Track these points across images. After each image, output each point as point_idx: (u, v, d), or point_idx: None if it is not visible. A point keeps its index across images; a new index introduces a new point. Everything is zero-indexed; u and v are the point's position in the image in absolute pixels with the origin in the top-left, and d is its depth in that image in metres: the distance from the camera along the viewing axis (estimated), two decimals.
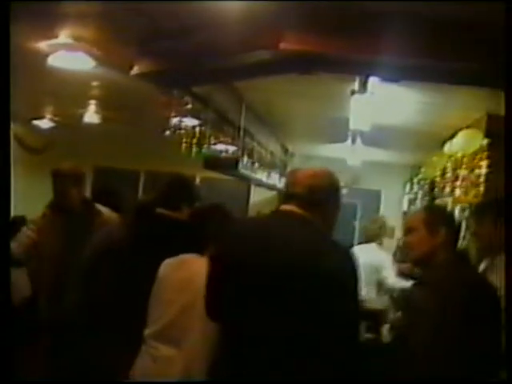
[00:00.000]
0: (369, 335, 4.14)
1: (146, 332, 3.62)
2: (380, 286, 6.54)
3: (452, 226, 3.41)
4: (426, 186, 10.18)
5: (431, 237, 3.31)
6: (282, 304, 2.69)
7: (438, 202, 8.61)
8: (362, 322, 4.24)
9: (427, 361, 3.03)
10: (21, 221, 10.63)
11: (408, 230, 3.43)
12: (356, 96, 5.86)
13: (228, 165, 7.93)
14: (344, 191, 14.25)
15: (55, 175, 5.21)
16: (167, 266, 3.67)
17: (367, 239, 7.41)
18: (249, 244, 2.87)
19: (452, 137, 7.19)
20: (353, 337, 2.82)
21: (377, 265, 6.71)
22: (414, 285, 3.54)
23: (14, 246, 5.14)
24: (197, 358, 3.39)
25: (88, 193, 12.78)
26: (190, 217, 4.01)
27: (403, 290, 4.02)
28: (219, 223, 3.61)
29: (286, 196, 2.99)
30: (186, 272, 3.55)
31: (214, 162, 7.85)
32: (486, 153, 6.41)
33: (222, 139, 8.11)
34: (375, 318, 4.17)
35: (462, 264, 3.37)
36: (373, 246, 7.11)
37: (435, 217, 3.39)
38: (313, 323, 2.64)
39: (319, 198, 2.91)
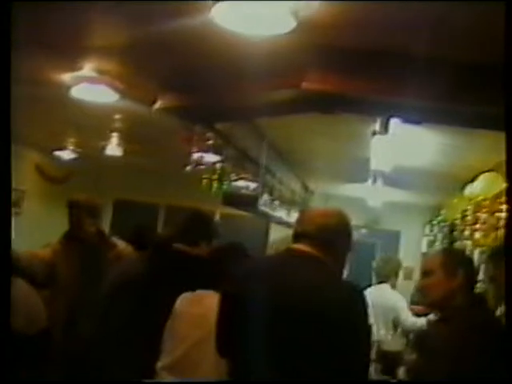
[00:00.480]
0: (385, 377, 4.10)
1: (159, 365, 3.60)
2: (396, 327, 6.47)
3: (470, 269, 3.38)
4: (446, 228, 10.11)
5: (449, 280, 3.28)
6: (292, 343, 2.66)
7: (457, 244, 8.56)
8: (378, 363, 4.21)
9: None
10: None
11: (425, 273, 3.40)
12: (377, 137, 5.87)
13: (248, 201, 7.90)
14: (363, 231, 14.27)
15: (71, 206, 5.28)
16: (184, 300, 3.66)
17: (379, 279, 7.28)
18: (259, 282, 2.86)
19: (473, 180, 7.16)
20: (363, 377, 2.80)
21: (392, 306, 6.64)
22: (431, 326, 3.52)
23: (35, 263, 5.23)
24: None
25: (107, 225, 12.94)
26: (209, 254, 4.01)
27: (420, 331, 3.99)
28: (236, 262, 3.60)
29: (297, 235, 2.98)
30: (202, 308, 3.54)
31: (233, 199, 7.82)
32: (506, 197, 6.38)
33: (242, 176, 8.11)
34: (391, 359, 4.13)
35: (480, 308, 3.35)
36: (386, 286, 7.01)
37: (453, 259, 3.37)
38: (323, 362, 2.62)
39: (329, 237, 2.89)
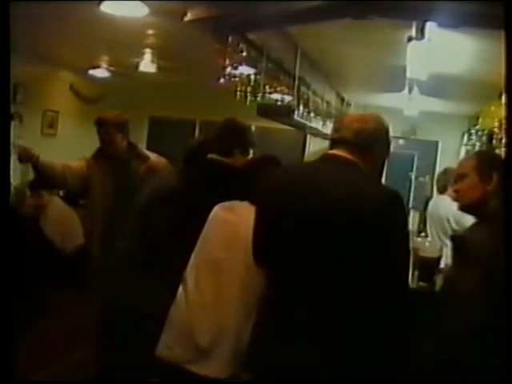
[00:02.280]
0: (422, 284, 4.09)
1: (185, 273, 3.62)
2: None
3: None
4: (484, 137, 10.00)
5: (483, 183, 3.23)
6: (330, 249, 2.66)
7: (496, 152, 8.47)
8: (415, 270, 4.21)
9: (473, 309, 2.99)
10: None
11: (459, 177, 3.35)
12: (413, 43, 5.74)
13: (282, 112, 7.85)
14: (400, 142, 14.18)
15: (99, 124, 5.36)
16: (217, 208, 3.67)
17: (439, 191, 7.33)
18: (294, 189, 2.85)
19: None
20: (402, 283, 2.80)
21: (449, 216, 6.57)
22: (467, 230, 3.49)
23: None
24: (232, 307, 3.42)
25: (144, 142, 13.01)
26: (243, 165, 4.00)
27: (457, 236, 3.95)
28: (271, 173, 3.59)
29: (333, 141, 2.97)
30: (234, 215, 3.54)
31: (267, 110, 7.77)
32: None
33: (277, 88, 8.06)
34: (428, 266, 4.11)
35: None
36: (444, 197, 6.96)
37: (487, 163, 3.31)
38: (361, 268, 2.62)
39: (365, 141, 2.88)
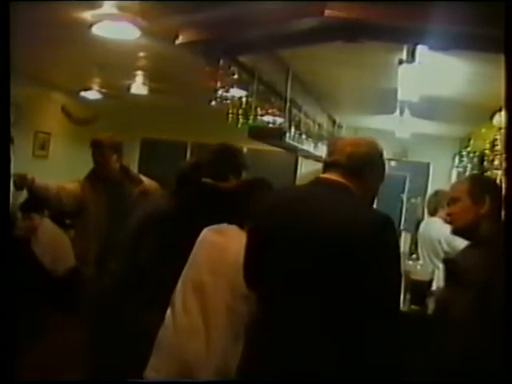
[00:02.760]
0: (414, 307, 4.10)
1: (173, 296, 3.65)
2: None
3: (497, 196, 3.34)
4: (476, 159, 10.02)
5: (476, 206, 3.25)
6: (322, 273, 2.65)
7: (487, 174, 8.49)
8: (407, 293, 4.21)
9: (466, 333, 2.99)
10: None
11: (452, 200, 3.37)
12: (404, 65, 5.77)
13: (274, 134, 7.87)
14: (392, 164, 14.21)
15: (94, 145, 5.38)
16: (206, 231, 3.71)
17: (429, 213, 7.34)
18: (286, 212, 2.85)
19: (501, 108, 7.06)
20: (393, 307, 2.79)
21: (440, 238, 6.56)
22: (460, 253, 3.50)
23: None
24: (220, 331, 3.40)
25: (136, 164, 13.00)
26: (235, 187, 4.00)
27: (449, 259, 3.96)
28: (263, 196, 3.59)
29: (326, 164, 2.97)
30: (222, 238, 3.57)
31: (259, 132, 7.79)
32: None
33: (269, 110, 8.08)
34: (420, 289, 4.13)
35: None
36: (435, 219, 6.96)
37: (480, 186, 3.33)
38: (352, 292, 2.61)
39: (359, 166, 2.87)
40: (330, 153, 3.04)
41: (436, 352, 3.14)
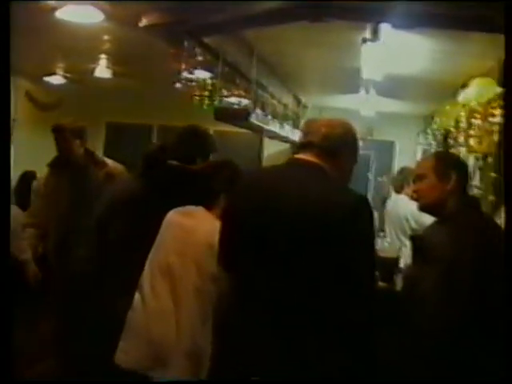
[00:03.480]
0: (383, 284, 4.14)
1: (141, 278, 3.67)
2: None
3: (462, 172, 3.39)
4: (440, 136, 10.10)
5: (441, 183, 3.29)
6: (296, 253, 2.68)
7: (452, 151, 8.56)
8: (376, 271, 4.25)
9: (435, 308, 3.03)
10: (31, 177, 10.77)
11: (418, 177, 3.41)
12: (367, 44, 5.78)
13: (239, 115, 7.87)
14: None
15: (56, 130, 5.34)
16: (172, 213, 3.72)
17: (396, 190, 7.41)
18: (261, 193, 2.87)
19: (465, 85, 7.12)
20: (368, 285, 2.82)
21: (407, 215, 6.61)
22: (427, 229, 3.54)
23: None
24: (188, 312, 3.43)
25: (101, 148, 12.95)
26: (201, 170, 4.01)
27: (416, 235, 4.00)
28: (228, 178, 3.62)
29: (301, 145, 2.99)
30: (189, 220, 3.60)
31: (224, 113, 7.78)
32: (499, 101, 6.34)
33: (235, 92, 8.08)
34: (388, 266, 4.17)
35: (474, 209, 3.37)
36: (402, 196, 7.01)
37: (445, 163, 3.37)
38: (327, 271, 2.64)
39: (334, 146, 2.90)
40: (304, 133, 3.06)
41: (405, 328, 3.18)
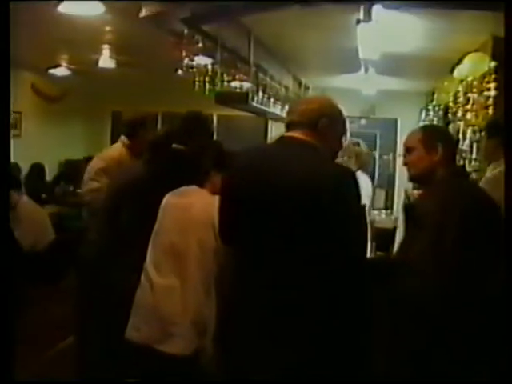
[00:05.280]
0: (380, 253, 4.29)
1: (145, 263, 3.85)
2: None
3: (449, 143, 3.53)
4: (441, 112, 10.21)
5: (429, 154, 3.43)
6: (292, 226, 2.84)
7: (451, 126, 8.69)
8: (373, 241, 4.41)
9: (424, 270, 3.16)
10: (40, 168, 10.93)
11: (407, 150, 3.55)
12: (362, 25, 5.90)
13: (239, 99, 7.98)
14: (362, 122, 14.36)
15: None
16: (169, 196, 3.90)
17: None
18: (253, 170, 3.03)
19: (460, 61, 7.23)
20: (360, 255, 3.00)
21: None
22: (417, 198, 3.68)
23: None
24: (194, 286, 3.61)
25: (108, 136, 13.09)
26: (190, 151, 4.19)
27: (407, 205, 4.17)
28: (213, 157, 3.82)
29: (286, 124, 3.16)
30: (185, 200, 3.76)
31: (225, 97, 7.90)
32: (493, 75, 6.47)
33: (236, 76, 8.21)
34: (384, 236, 4.32)
35: (461, 178, 3.53)
36: (359, 173, 6.88)
37: (432, 136, 3.50)
38: (320, 243, 2.80)
39: (311, 120, 3.05)
40: (287, 113, 3.27)
41: (399, 293, 3.32)
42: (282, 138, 3.15)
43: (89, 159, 6.55)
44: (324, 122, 3.07)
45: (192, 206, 3.66)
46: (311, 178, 2.81)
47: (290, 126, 3.13)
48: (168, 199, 3.88)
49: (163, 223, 3.84)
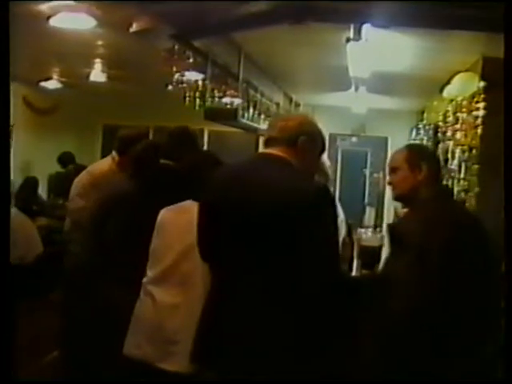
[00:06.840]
0: (365, 271, 4.30)
1: (145, 279, 3.81)
2: None
3: (433, 162, 3.55)
4: (431, 131, 10.25)
5: (413, 174, 3.46)
6: (270, 242, 2.84)
7: (440, 145, 8.73)
8: (358, 258, 4.43)
9: (407, 290, 3.19)
10: (34, 182, 10.91)
11: (392, 169, 3.57)
12: (352, 43, 5.91)
13: (228, 115, 8.02)
14: (353, 140, 14.41)
15: None
16: (167, 212, 3.84)
17: None
18: (230, 186, 3.03)
19: (449, 81, 7.27)
20: (334, 271, 2.96)
21: None
22: (401, 218, 3.70)
23: None
24: (198, 303, 3.57)
25: (99, 150, 13.07)
26: (185, 166, 4.17)
27: (391, 224, 4.18)
28: (211, 170, 3.78)
29: (265, 141, 3.17)
30: (186, 217, 3.68)
31: (214, 113, 7.93)
32: (482, 95, 6.51)
33: (226, 92, 8.22)
34: (370, 254, 4.32)
35: (445, 198, 3.54)
36: None
37: (416, 154, 3.53)
38: (295, 258, 2.80)
39: (289, 137, 3.04)
40: (267, 129, 3.28)
41: (383, 311, 3.33)
42: (259, 155, 3.17)
43: (78, 169, 6.55)
44: (303, 140, 3.07)
45: (192, 222, 3.62)
46: (287, 195, 2.82)
47: (268, 141, 3.13)
48: (165, 215, 3.83)
49: (164, 240, 3.80)
